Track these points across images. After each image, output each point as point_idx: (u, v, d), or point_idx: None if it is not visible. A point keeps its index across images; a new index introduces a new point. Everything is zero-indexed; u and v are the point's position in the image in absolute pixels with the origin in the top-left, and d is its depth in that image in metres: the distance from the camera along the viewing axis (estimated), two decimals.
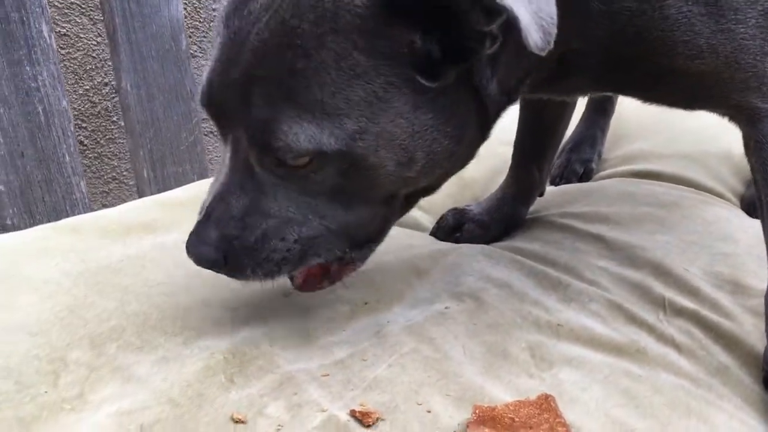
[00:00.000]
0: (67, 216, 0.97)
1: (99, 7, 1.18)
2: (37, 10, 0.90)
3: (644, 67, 0.74)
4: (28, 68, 0.90)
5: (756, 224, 1.08)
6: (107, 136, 1.26)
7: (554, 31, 0.56)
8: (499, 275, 0.89)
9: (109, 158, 1.28)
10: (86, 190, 0.99)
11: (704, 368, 0.76)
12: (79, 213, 0.99)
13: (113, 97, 1.23)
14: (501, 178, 1.20)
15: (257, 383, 0.66)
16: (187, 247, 0.67)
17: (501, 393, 0.68)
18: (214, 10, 1.33)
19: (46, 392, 0.63)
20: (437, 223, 1.08)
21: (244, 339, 0.72)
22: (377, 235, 0.75)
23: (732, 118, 0.81)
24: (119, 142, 1.26)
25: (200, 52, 1.32)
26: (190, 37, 1.18)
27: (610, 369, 0.73)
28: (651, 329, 0.80)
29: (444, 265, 0.93)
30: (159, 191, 1.01)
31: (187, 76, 1.06)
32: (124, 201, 1.31)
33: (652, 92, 0.79)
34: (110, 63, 1.22)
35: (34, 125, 0.92)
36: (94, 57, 1.20)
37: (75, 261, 0.82)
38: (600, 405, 0.68)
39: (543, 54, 0.56)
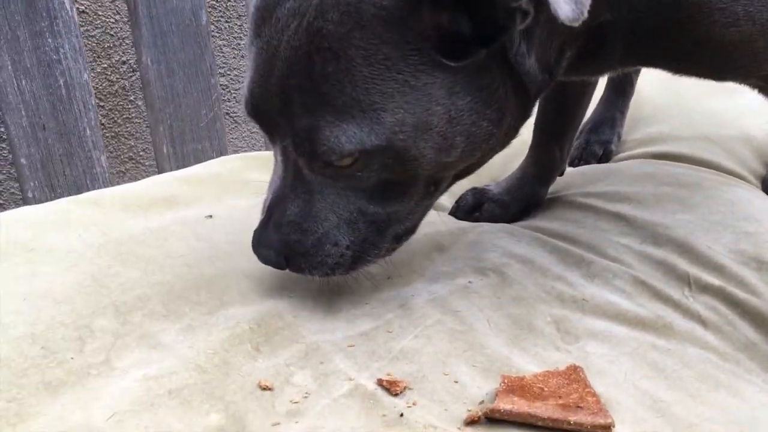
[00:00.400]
0: (88, 190, 0.96)
1: None
2: None
3: (679, 37, 0.73)
4: (50, 40, 0.89)
5: None
6: (124, 116, 1.26)
7: (587, 2, 0.55)
8: (522, 251, 0.89)
9: (126, 138, 1.28)
10: (107, 165, 0.99)
11: (731, 343, 0.76)
12: (100, 187, 0.98)
13: (131, 76, 1.22)
14: (519, 159, 1.19)
15: (283, 352, 0.66)
16: (253, 247, 0.72)
17: (528, 364, 0.67)
18: None
19: (72, 358, 0.63)
20: (456, 202, 1.07)
21: (269, 310, 0.72)
22: (416, 225, 0.76)
23: (761, 90, 0.80)
24: (136, 122, 1.26)
25: (217, 32, 1.32)
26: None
27: (637, 342, 0.72)
28: (676, 305, 0.80)
29: (465, 241, 0.92)
30: (178, 167, 1.00)
31: (207, 52, 1.05)
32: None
33: (685, 63, 0.78)
34: (128, 41, 1.22)
35: (56, 98, 0.92)
36: (112, 35, 1.19)
37: (97, 233, 0.81)
38: (628, 377, 0.67)
39: (576, 25, 0.55)
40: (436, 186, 0.73)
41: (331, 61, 0.61)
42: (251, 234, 0.86)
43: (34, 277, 0.72)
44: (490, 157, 0.77)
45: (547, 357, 0.69)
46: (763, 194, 1.13)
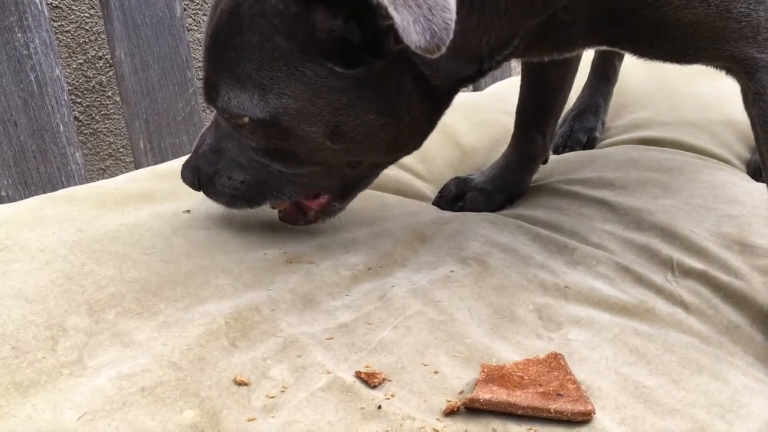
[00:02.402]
0: (63, 187, 0.95)
1: None
2: None
3: (635, 19, 0.72)
4: (19, 35, 0.87)
5: (762, 187, 1.07)
6: (102, 112, 1.24)
7: (446, 36, 0.54)
8: (504, 240, 0.88)
9: (105, 134, 1.26)
10: (82, 162, 0.97)
11: (714, 327, 0.75)
12: (75, 184, 0.97)
13: (108, 71, 1.20)
14: (502, 148, 1.18)
15: (260, 346, 0.65)
16: (181, 170, 0.81)
17: (509, 353, 0.67)
18: None
19: (44, 358, 0.61)
20: (440, 192, 1.06)
21: (246, 304, 0.70)
22: (342, 193, 0.81)
23: (729, 71, 0.80)
24: (115, 118, 1.24)
25: (195, 25, 1.30)
26: (185, 9, 1.16)
27: (619, 328, 0.72)
28: (659, 290, 0.79)
29: (447, 231, 0.91)
30: (156, 163, 0.99)
31: (182, 44, 1.04)
32: None
33: (644, 45, 0.77)
34: (104, 36, 1.20)
35: (27, 94, 0.90)
36: (87, 30, 1.17)
37: (71, 230, 0.80)
38: (610, 363, 0.66)
39: (434, 56, 0.55)
40: (350, 165, 0.77)
41: (236, 35, 0.67)
42: (227, 230, 0.86)
43: (6, 276, 0.70)
44: (413, 143, 0.79)
45: (529, 345, 0.68)
46: (746, 177, 1.13)
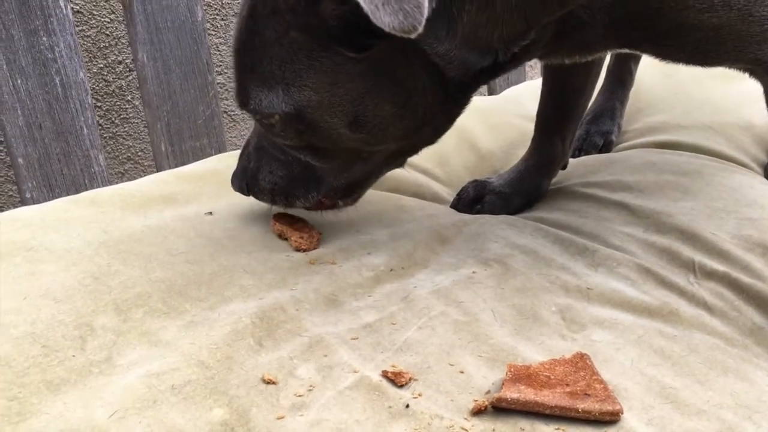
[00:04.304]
0: (86, 189, 0.95)
1: None
2: None
3: (656, 22, 0.72)
4: (44, 39, 0.88)
5: None
6: (122, 116, 1.25)
7: (420, 16, 0.54)
8: (524, 242, 0.88)
9: (124, 138, 1.27)
10: (105, 164, 0.98)
11: (738, 329, 0.75)
12: (98, 186, 0.97)
13: (127, 76, 1.21)
14: (519, 151, 1.19)
15: (286, 346, 0.65)
16: (231, 180, 0.85)
17: (533, 353, 0.67)
18: None
19: (73, 356, 0.62)
20: (458, 195, 1.06)
21: (271, 304, 0.71)
22: (359, 185, 0.84)
23: (751, 73, 0.80)
24: (134, 122, 1.25)
25: (213, 30, 1.31)
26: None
27: (643, 330, 0.72)
28: (682, 292, 0.79)
29: (467, 233, 0.91)
30: (177, 166, 0.99)
31: (203, 48, 1.04)
32: None
33: (666, 48, 0.77)
34: (124, 41, 1.21)
35: (52, 97, 0.91)
36: (107, 34, 1.18)
37: (96, 231, 0.81)
38: (635, 364, 0.66)
39: (411, 36, 0.55)
40: (369, 154, 0.79)
41: (255, 36, 0.70)
42: (249, 231, 0.86)
43: (34, 277, 0.71)
44: (430, 136, 0.80)
45: (553, 346, 0.68)
46: (764, 180, 1.13)
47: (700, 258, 0.85)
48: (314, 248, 0.83)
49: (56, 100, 0.91)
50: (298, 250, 0.82)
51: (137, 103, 1.24)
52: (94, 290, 0.70)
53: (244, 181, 0.83)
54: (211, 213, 0.88)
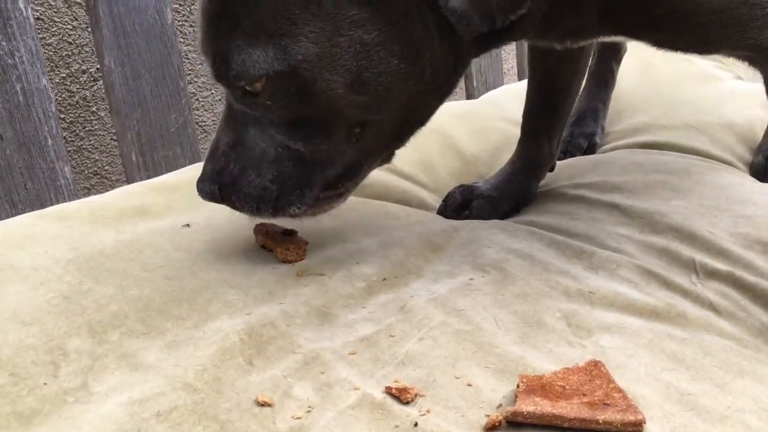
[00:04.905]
0: (52, 204, 0.90)
1: None
2: None
3: (652, 7, 0.70)
4: (4, 44, 0.82)
5: None
6: (87, 128, 1.19)
7: None
8: (519, 246, 0.85)
9: (89, 151, 1.20)
10: (71, 177, 0.92)
11: (747, 329, 0.72)
12: (65, 200, 0.92)
13: (92, 86, 1.15)
14: (504, 155, 1.16)
15: (279, 364, 0.61)
16: (196, 186, 0.73)
17: (543, 362, 0.63)
18: None
19: (45, 384, 0.56)
20: (444, 200, 1.03)
21: (260, 319, 0.66)
22: (352, 175, 0.74)
23: (751, 61, 0.77)
24: (100, 134, 1.19)
25: (182, 37, 1.26)
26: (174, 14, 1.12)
27: (652, 333, 0.68)
28: (686, 293, 0.76)
29: (458, 239, 0.88)
30: (149, 177, 0.94)
31: (174, 53, 0.99)
32: None
33: (664, 35, 0.74)
34: (87, 48, 1.15)
35: (13, 105, 0.85)
36: (70, 42, 1.12)
37: (65, 248, 0.75)
38: (649, 370, 0.63)
39: None
40: (362, 129, 0.71)
41: None
42: (231, 243, 0.81)
43: None
44: (427, 109, 0.74)
45: (562, 353, 0.65)
46: (751, 178, 1.11)
47: (700, 257, 0.82)
48: (301, 259, 0.78)
49: (17, 109, 0.85)
50: (284, 261, 0.77)
51: (103, 115, 1.18)
52: (65, 311, 0.65)
53: (216, 185, 0.71)
54: (188, 225, 0.83)
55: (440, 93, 0.73)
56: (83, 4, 1.10)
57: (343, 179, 0.74)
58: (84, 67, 1.15)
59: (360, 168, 0.75)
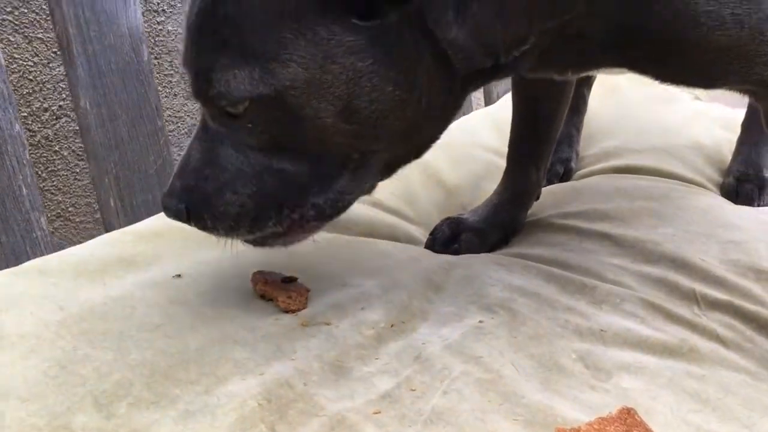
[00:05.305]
0: (28, 258, 0.84)
1: (33, 23, 1.05)
2: None
3: (663, 39, 0.69)
4: None
5: (748, 210, 1.08)
6: (49, 168, 1.13)
7: None
8: (521, 283, 0.84)
9: (52, 193, 1.14)
10: (47, 227, 0.86)
11: (756, 361, 0.73)
12: (42, 254, 0.86)
13: (54, 124, 1.09)
14: (485, 183, 1.15)
15: (304, 430, 0.57)
16: (162, 201, 0.69)
17: (571, 411, 0.61)
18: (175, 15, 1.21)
19: None
20: (431, 234, 1.01)
21: (274, 380, 0.62)
22: (343, 202, 0.70)
23: (754, 95, 0.78)
24: (63, 174, 1.13)
25: (157, 75, 1.21)
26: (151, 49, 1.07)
27: (670, 371, 0.68)
28: (692, 325, 0.76)
29: (457, 276, 0.86)
30: (128, 223, 0.89)
31: (151, 91, 0.94)
32: (72, 241, 1.17)
33: (670, 69, 0.74)
34: (49, 85, 1.09)
35: None
36: (31, 80, 1.06)
37: (51, 308, 0.70)
38: (676, 413, 0.62)
39: None
40: (359, 161, 0.67)
41: (231, 2, 0.60)
42: (227, 293, 0.77)
43: None
44: (425, 138, 0.71)
45: (587, 400, 0.63)
46: (727, 201, 1.14)
47: (699, 287, 0.83)
48: (303, 308, 0.75)
49: None
50: (286, 311, 0.74)
51: (66, 154, 1.12)
52: (65, 382, 0.60)
53: (183, 204, 0.67)
54: (179, 276, 0.79)
55: (442, 116, 0.71)
56: (44, 40, 1.05)
57: (332, 206, 0.70)
58: (46, 105, 1.09)
59: (351, 195, 0.71)
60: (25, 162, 0.82)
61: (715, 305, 0.80)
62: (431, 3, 0.61)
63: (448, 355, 0.68)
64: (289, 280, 0.78)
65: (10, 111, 0.79)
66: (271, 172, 0.66)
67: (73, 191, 1.14)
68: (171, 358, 0.64)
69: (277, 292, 0.75)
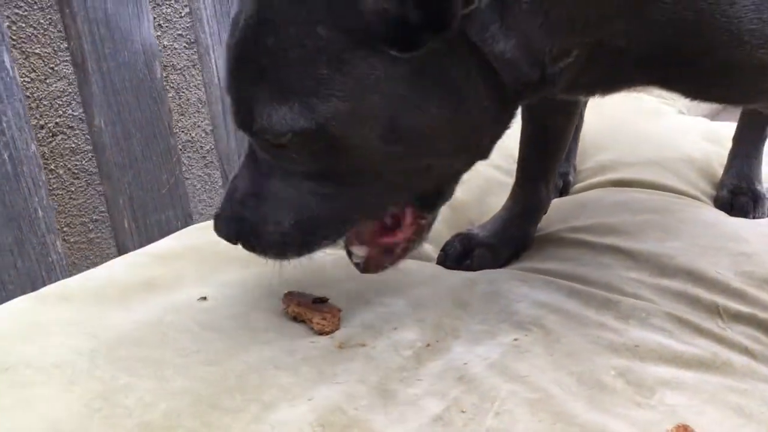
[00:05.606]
0: (45, 283, 0.80)
1: (30, 38, 1.02)
2: None
3: (703, 57, 0.70)
4: None
5: (748, 222, 1.10)
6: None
7: None
8: (546, 299, 0.84)
9: None
10: (63, 251, 0.83)
11: None
12: (57, 278, 0.82)
13: (50, 142, 1.06)
14: (491, 199, 1.15)
15: None
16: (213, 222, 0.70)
17: (624, 429, 0.62)
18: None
19: None
20: (443, 250, 1.00)
21: (325, 405, 0.61)
22: (424, 204, 0.72)
23: None
24: (59, 193, 1.09)
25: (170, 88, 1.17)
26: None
27: (712, 386, 0.69)
28: (720, 339, 0.77)
29: (481, 292, 0.86)
30: (143, 244, 0.86)
31: (164, 108, 0.92)
32: (72, 261, 1.13)
33: (703, 86, 0.75)
34: (45, 102, 1.06)
35: (1, 176, 0.75)
36: (27, 96, 1.01)
37: (81, 336, 0.67)
38: (723, 429, 0.63)
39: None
40: (408, 182, 0.68)
41: (271, 34, 0.59)
42: (258, 315, 0.76)
43: (27, 405, 0.57)
44: (482, 146, 0.71)
45: (637, 417, 0.64)
46: (725, 214, 1.16)
47: (720, 300, 0.84)
48: (337, 329, 0.74)
49: (6, 180, 0.75)
50: (320, 333, 0.73)
51: (61, 173, 1.09)
52: (110, 415, 0.57)
53: (233, 230, 0.69)
54: (205, 298, 0.77)
55: (497, 125, 0.70)
56: (41, 56, 1.02)
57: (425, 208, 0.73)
58: (42, 122, 1.05)
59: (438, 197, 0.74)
60: (41, 184, 0.79)
61: (738, 318, 0.81)
62: (474, 21, 0.61)
63: (491, 374, 0.68)
64: (321, 301, 0.76)
65: (27, 131, 0.76)
66: (318, 198, 0.66)
67: (68, 210, 1.10)
68: (213, 386, 0.63)
69: (311, 313, 0.74)
